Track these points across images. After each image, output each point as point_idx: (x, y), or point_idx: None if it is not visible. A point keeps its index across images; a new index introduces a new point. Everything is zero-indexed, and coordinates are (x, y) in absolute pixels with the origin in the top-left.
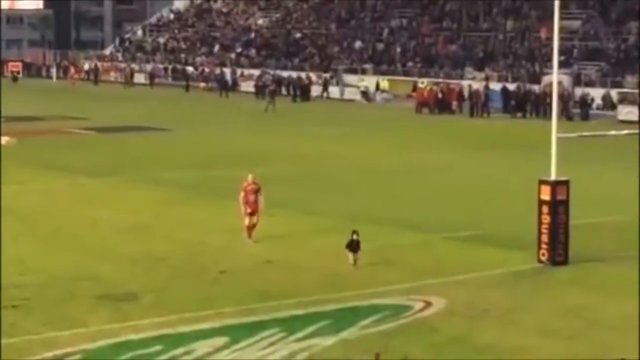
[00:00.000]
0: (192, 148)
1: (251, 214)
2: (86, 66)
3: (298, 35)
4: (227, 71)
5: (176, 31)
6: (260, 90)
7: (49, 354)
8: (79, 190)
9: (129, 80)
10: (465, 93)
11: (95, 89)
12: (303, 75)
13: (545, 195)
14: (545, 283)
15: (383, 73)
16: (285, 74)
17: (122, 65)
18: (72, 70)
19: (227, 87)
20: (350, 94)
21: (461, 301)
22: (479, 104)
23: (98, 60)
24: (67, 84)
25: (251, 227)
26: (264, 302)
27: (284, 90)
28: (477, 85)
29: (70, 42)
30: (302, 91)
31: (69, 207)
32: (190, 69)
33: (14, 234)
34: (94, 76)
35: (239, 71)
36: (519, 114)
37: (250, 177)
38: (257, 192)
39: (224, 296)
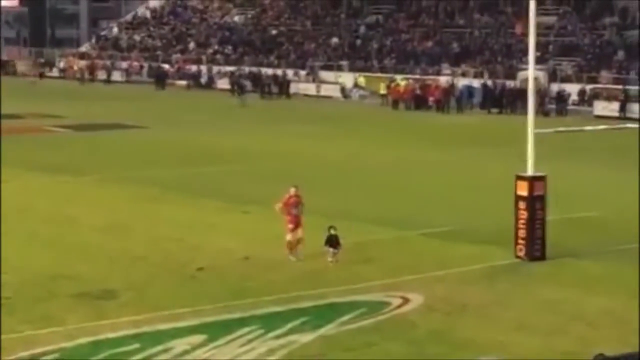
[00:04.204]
0: (169, 145)
1: (294, 229)
2: (81, 63)
3: (274, 32)
4: (204, 68)
5: (151, 28)
6: (234, 86)
7: (26, 353)
8: (57, 189)
9: (84, 77)
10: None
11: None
12: (279, 72)
13: (522, 191)
14: (522, 278)
15: (359, 70)
16: (262, 70)
17: (104, 62)
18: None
19: (163, 81)
20: (327, 90)
21: (439, 297)
22: (449, 101)
23: (73, 58)
24: (29, 81)
25: (295, 243)
26: (242, 299)
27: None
28: (446, 82)
29: (45, 40)
30: (280, 88)
31: (46, 206)
32: (166, 66)
33: None
34: (90, 73)
35: (215, 68)
36: (495, 110)
37: (292, 190)
38: (298, 204)
39: (201, 293)
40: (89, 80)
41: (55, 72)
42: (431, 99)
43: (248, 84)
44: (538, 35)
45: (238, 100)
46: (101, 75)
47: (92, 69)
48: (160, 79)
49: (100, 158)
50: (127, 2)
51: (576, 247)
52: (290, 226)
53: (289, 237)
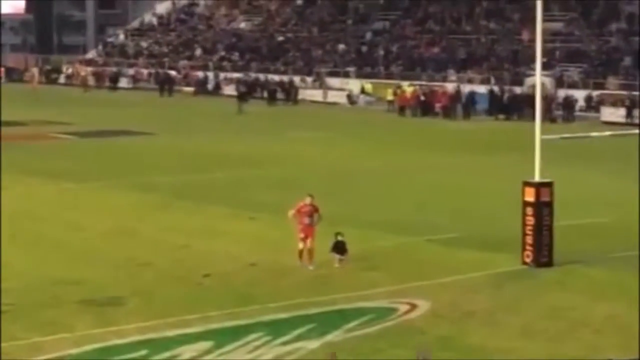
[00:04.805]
0: (175, 152)
1: (304, 238)
2: (86, 70)
3: (281, 38)
4: (210, 74)
5: (158, 35)
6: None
7: None
8: (63, 195)
9: (86, 85)
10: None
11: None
12: (286, 78)
13: (530, 197)
14: (529, 285)
15: (366, 76)
16: (269, 77)
17: (110, 69)
18: (35, 74)
19: (169, 87)
20: (333, 96)
21: (446, 303)
22: (455, 107)
23: (80, 64)
24: (29, 88)
25: (307, 252)
26: (249, 306)
27: (266, 94)
28: (453, 88)
29: (52, 47)
30: (286, 94)
31: (52, 212)
32: (173, 72)
33: None
34: (96, 80)
35: (221, 75)
36: (502, 116)
37: (308, 199)
38: (312, 214)
39: (208, 300)
40: (95, 87)
41: (62, 79)
42: (438, 105)
43: (245, 90)
44: (545, 41)
45: (239, 107)
46: (107, 82)
47: (98, 76)
48: (163, 85)
49: (106, 164)
50: (134, 9)
51: (584, 254)
52: (301, 235)
53: (300, 245)
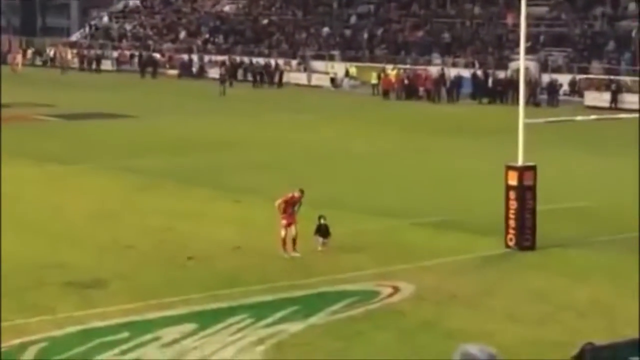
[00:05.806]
0: (159, 135)
1: (288, 226)
2: (68, 52)
3: (265, 21)
4: (195, 57)
5: (142, 18)
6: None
7: (16, 341)
8: (46, 178)
9: (65, 66)
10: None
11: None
12: (271, 61)
13: (513, 181)
14: (512, 268)
15: (350, 59)
16: (254, 60)
17: (94, 51)
18: (17, 56)
19: (153, 69)
20: (318, 80)
21: (429, 286)
22: (439, 90)
23: (63, 47)
24: (12, 70)
25: (290, 239)
26: (232, 288)
27: (250, 77)
28: (437, 72)
29: (36, 29)
30: (270, 77)
31: (36, 194)
32: (157, 55)
33: None
34: (80, 62)
35: (206, 57)
36: (485, 100)
37: (297, 193)
38: (296, 204)
39: (192, 282)
40: (78, 69)
41: (42, 61)
42: (422, 88)
43: (223, 72)
44: (529, 25)
45: (220, 88)
46: (91, 64)
47: (81, 58)
48: (145, 67)
49: (89, 147)
50: None
51: (566, 237)
52: (284, 222)
53: (282, 233)
